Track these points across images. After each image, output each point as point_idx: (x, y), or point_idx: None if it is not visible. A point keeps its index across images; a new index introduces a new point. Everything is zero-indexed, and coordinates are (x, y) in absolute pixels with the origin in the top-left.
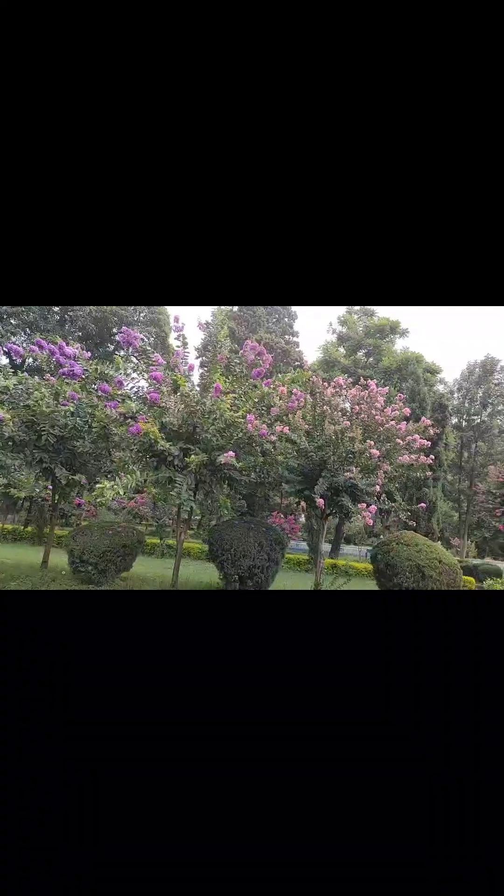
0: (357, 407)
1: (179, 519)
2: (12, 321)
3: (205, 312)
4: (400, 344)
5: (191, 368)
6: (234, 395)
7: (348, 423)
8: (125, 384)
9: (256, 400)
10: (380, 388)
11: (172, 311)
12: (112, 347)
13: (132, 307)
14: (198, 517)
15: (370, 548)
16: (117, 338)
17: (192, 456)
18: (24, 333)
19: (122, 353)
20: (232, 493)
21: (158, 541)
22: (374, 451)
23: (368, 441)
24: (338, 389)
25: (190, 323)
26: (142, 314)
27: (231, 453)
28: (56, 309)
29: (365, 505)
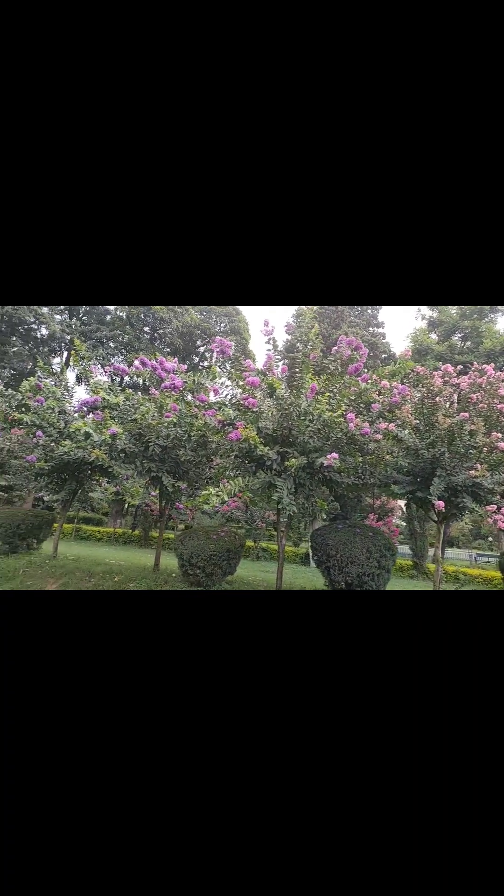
0: (473, 396)
1: (280, 523)
2: (111, 344)
3: (282, 314)
4: (503, 323)
5: (284, 371)
6: (329, 393)
7: (466, 414)
8: (220, 392)
9: (353, 397)
10: (498, 373)
11: (251, 316)
12: (196, 360)
13: (213, 319)
14: (287, 520)
15: (479, 551)
16: (211, 347)
17: (292, 459)
18: (122, 354)
19: (205, 364)
20: (327, 496)
21: (252, 544)
22: (503, 444)
23: (494, 433)
24: (447, 378)
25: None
26: (222, 324)
27: (334, 454)
28: (146, 329)
29: (495, 507)
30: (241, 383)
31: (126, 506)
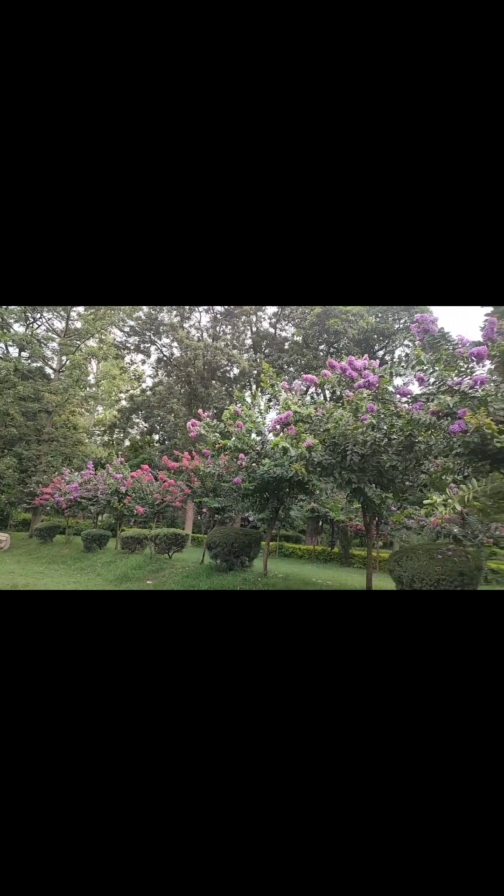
0: None
1: None
2: (291, 369)
3: None
4: None
5: None
6: None
7: None
8: (427, 380)
9: None
10: None
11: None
12: (377, 363)
13: (390, 318)
14: None
15: None
16: (411, 328)
17: None
18: (301, 373)
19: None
20: None
21: (494, 566)
22: None
23: None
24: None
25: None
26: (401, 321)
27: None
28: (322, 347)
29: None
30: (457, 364)
31: (320, 523)
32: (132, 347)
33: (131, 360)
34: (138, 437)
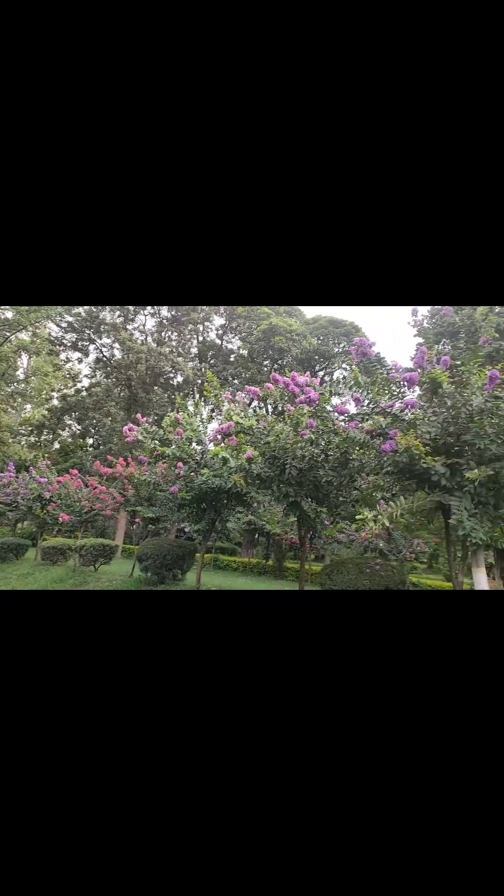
0: None
1: (452, 555)
2: (235, 381)
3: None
4: None
5: (446, 364)
6: None
7: None
8: (363, 401)
9: None
10: None
11: (372, 333)
12: (318, 381)
13: (331, 342)
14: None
15: None
16: (349, 350)
17: (475, 471)
18: (245, 385)
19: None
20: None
21: (416, 579)
22: None
23: None
24: None
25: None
26: (341, 345)
27: None
28: (266, 362)
29: None
30: (390, 387)
31: (256, 536)
32: (69, 344)
33: (67, 358)
34: (69, 440)
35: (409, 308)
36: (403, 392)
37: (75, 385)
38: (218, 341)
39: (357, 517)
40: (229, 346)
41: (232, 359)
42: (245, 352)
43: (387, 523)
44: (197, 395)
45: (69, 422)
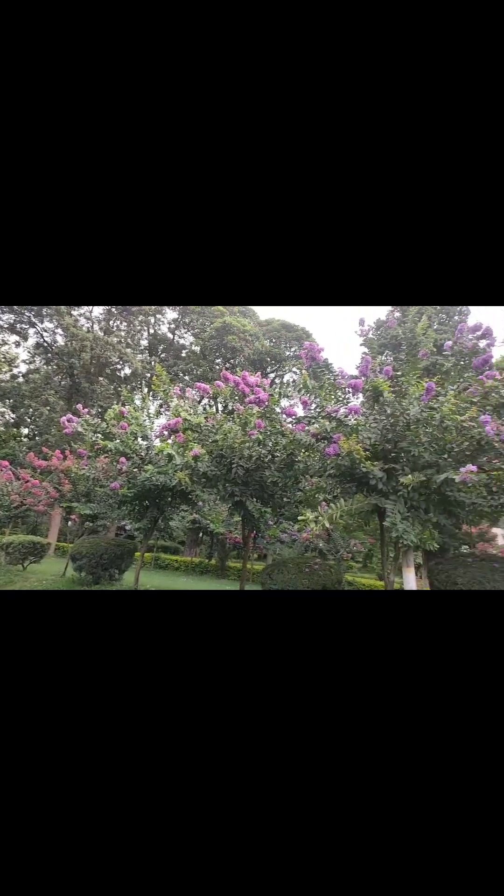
0: None
1: (385, 555)
2: (186, 377)
3: (374, 312)
4: None
5: (388, 374)
6: (453, 394)
7: None
8: (310, 404)
9: (477, 398)
10: None
11: (322, 339)
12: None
13: (283, 345)
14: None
15: None
16: (300, 355)
17: (409, 476)
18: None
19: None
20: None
21: (351, 579)
22: None
23: None
24: None
25: (338, 336)
26: (292, 349)
27: (472, 467)
28: (218, 360)
29: None
30: (336, 393)
31: (201, 535)
32: (5, 326)
33: (3, 341)
34: (1, 429)
35: (357, 318)
36: (348, 398)
37: (10, 370)
38: (170, 335)
39: (300, 518)
40: (181, 341)
41: (183, 354)
42: (197, 348)
43: (327, 524)
44: (145, 389)
45: (2, 409)
